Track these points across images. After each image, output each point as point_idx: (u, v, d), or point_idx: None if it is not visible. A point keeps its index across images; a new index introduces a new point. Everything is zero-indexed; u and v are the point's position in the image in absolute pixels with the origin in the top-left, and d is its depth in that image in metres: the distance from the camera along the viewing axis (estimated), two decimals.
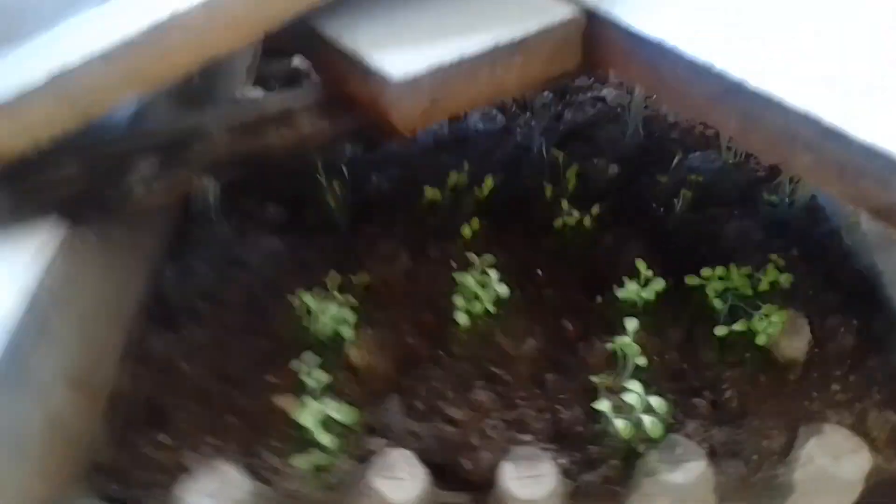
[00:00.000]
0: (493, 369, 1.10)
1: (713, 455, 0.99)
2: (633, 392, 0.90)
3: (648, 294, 1.02)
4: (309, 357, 0.98)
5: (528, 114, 1.67)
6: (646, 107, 1.64)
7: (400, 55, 0.94)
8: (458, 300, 1.04)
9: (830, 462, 0.95)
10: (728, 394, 1.06)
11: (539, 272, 1.24)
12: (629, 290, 1.03)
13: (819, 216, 1.36)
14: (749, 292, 1.07)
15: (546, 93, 1.71)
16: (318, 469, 0.96)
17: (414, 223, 1.34)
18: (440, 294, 1.20)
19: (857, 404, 1.06)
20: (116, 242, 1.14)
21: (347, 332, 1.03)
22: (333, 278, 1.09)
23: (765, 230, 1.31)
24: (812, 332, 1.13)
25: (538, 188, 1.35)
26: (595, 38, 1.03)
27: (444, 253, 1.27)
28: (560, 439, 1.04)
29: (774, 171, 1.47)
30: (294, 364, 1.04)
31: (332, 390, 1.06)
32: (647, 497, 0.97)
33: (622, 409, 0.95)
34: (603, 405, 0.93)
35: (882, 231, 1.26)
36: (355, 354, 1.10)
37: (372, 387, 1.09)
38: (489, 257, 1.07)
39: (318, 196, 1.36)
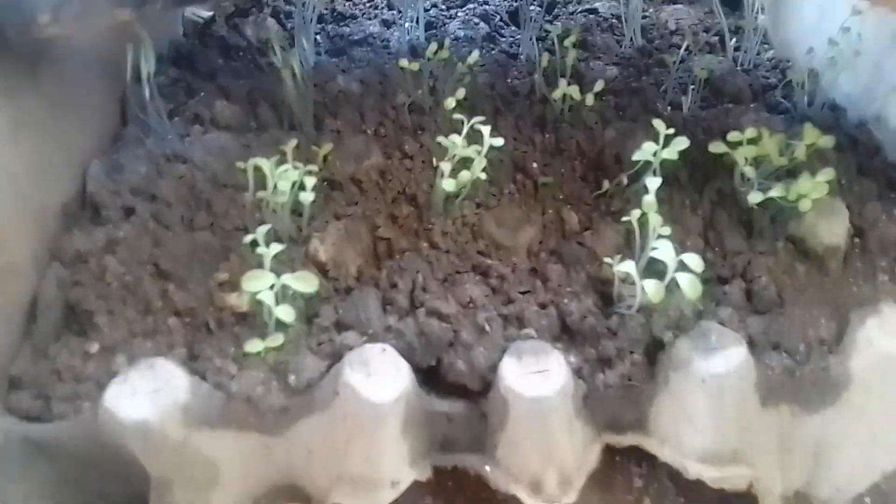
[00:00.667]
0: (486, 261, 0.93)
1: (752, 347, 0.83)
2: (662, 249, 0.74)
3: (671, 153, 0.85)
4: (261, 231, 0.79)
5: (512, 27, 1.52)
6: (644, 16, 1.50)
7: None
8: (444, 166, 0.87)
9: (894, 343, 0.80)
10: (763, 281, 0.90)
11: (534, 164, 1.08)
12: (645, 151, 0.86)
13: (841, 115, 1.23)
14: (783, 162, 0.91)
15: (532, 6, 1.56)
16: (277, 357, 0.78)
17: (386, 119, 1.16)
18: (419, 189, 1.03)
19: None
20: (32, 126, 0.95)
21: (308, 198, 0.85)
22: (291, 145, 0.90)
23: (786, 125, 1.17)
24: (850, 220, 0.98)
25: (530, 70, 1.19)
26: None
27: (423, 147, 1.10)
28: (568, 335, 0.87)
29: (786, 74, 1.34)
30: (243, 248, 0.85)
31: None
32: (678, 395, 0.81)
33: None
34: (626, 265, 0.76)
35: None
36: (319, 248, 0.92)
37: (342, 283, 0.91)
38: (479, 118, 0.89)
39: (276, 93, 1.18)
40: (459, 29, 1.45)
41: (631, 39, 1.43)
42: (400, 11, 1.50)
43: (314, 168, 0.89)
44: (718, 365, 0.79)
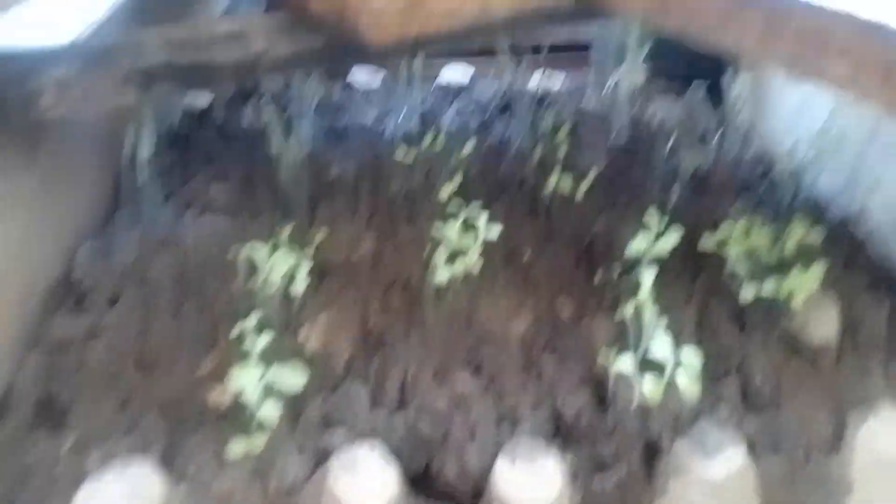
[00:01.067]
0: (479, 353, 0.92)
1: (750, 448, 0.82)
2: (660, 346, 0.73)
3: (663, 246, 0.86)
4: (251, 321, 0.78)
5: (504, 120, 1.56)
6: (631, 112, 1.55)
7: None
8: (438, 255, 0.87)
9: (894, 445, 0.78)
10: (759, 379, 0.90)
11: (527, 252, 1.08)
12: (638, 246, 0.87)
13: (823, 209, 1.26)
14: (773, 257, 0.93)
15: (524, 100, 1.61)
16: (260, 458, 0.75)
17: (381, 205, 1.17)
18: (412, 274, 1.03)
19: None
20: (22, 204, 0.94)
21: (301, 287, 0.84)
22: (284, 230, 0.90)
23: (771, 220, 1.19)
24: (840, 314, 0.99)
25: (522, 161, 1.22)
26: None
27: (417, 232, 1.10)
28: (563, 435, 0.85)
29: (769, 171, 1.38)
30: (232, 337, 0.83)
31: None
32: (676, 500, 0.78)
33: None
34: (623, 362, 0.75)
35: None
36: (308, 336, 0.91)
37: (329, 373, 0.89)
38: (475, 206, 0.90)
39: (272, 179, 1.20)
40: (453, 119, 1.49)
41: (618, 134, 1.47)
42: (395, 103, 1.54)
43: (307, 254, 0.89)
44: (718, 470, 0.77)
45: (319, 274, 1.04)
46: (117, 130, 1.09)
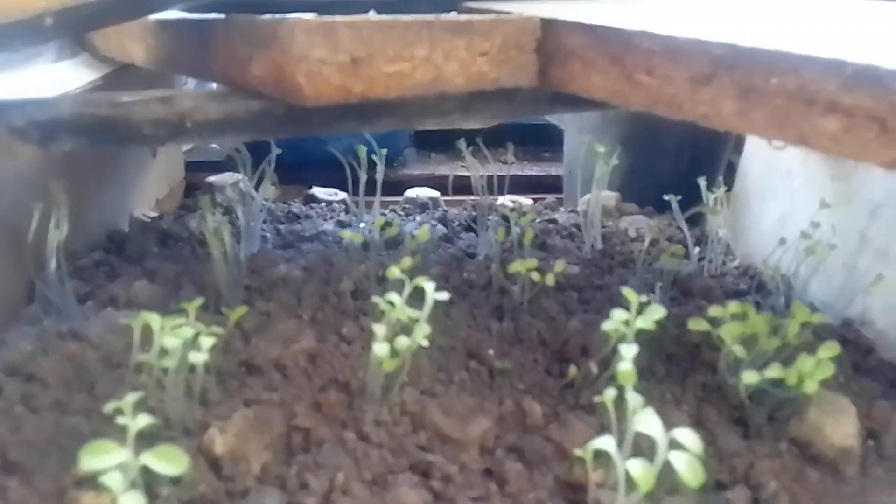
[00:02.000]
0: (428, 457, 0.75)
1: None
2: (648, 423, 0.58)
3: (646, 323, 0.73)
4: (131, 399, 0.62)
5: (471, 233, 1.50)
6: (604, 226, 1.49)
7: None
8: (377, 329, 0.73)
9: None
10: (771, 488, 0.73)
11: (490, 351, 0.95)
12: (616, 321, 0.74)
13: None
14: (775, 343, 0.80)
15: (491, 217, 1.55)
16: None
17: (326, 304, 1.05)
18: (354, 376, 0.88)
19: None
20: None
21: (200, 359, 0.68)
22: (194, 304, 0.76)
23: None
24: (858, 420, 0.84)
25: (487, 268, 1.12)
26: (551, 47, 0.89)
27: (364, 332, 0.97)
28: None
29: (755, 278, 1.29)
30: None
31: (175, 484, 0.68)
32: None
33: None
34: (603, 441, 0.59)
35: None
36: (216, 438, 0.74)
37: (238, 484, 0.71)
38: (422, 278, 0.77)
39: (207, 279, 1.08)
40: (416, 229, 1.41)
41: (591, 246, 1.40)
42: (356, 216, 1.48)
43: (219, 330, 0.75)
44: None
45: (246, 371, 0.90)
46: (38, 226, 0.99)
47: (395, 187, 1.61)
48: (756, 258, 1.37)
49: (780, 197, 1.37)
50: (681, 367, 0.95)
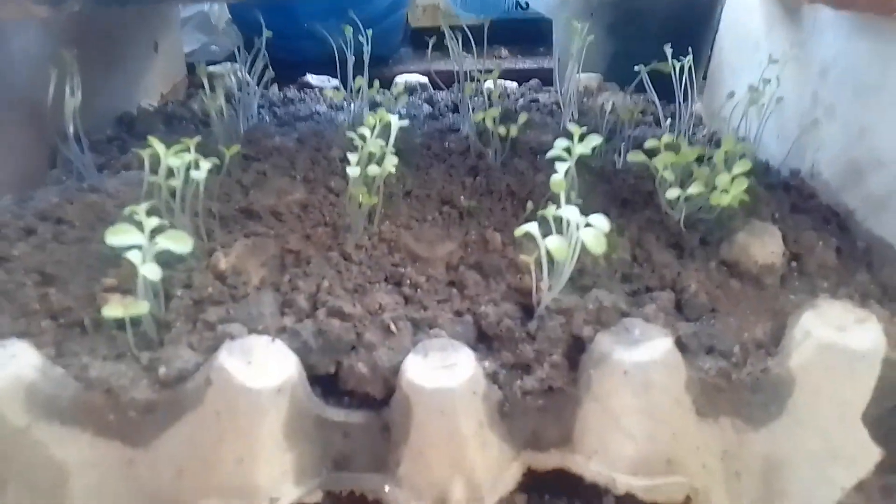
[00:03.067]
0: (400, 270, 0.89)
1: (682, 350, 0.77)
2: (567, 210, 0.70)
3: (584, 148, 0.84)
4: (146, 205, 0.75)
5: (456, 113, 1.60)
6: (581, 102, 1.58)
7: None
8: (351, 157, 0.85)
9: (835, 333, 0.74)
10: (693, 289, 0.86)
11: (462, 198, 1.07)
12: (558, 148, 0.85)
13: (773, 169, 1.26)
14: (704, 173, 0.91)
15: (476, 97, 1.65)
16: (151, 356, 0.70)
17: (317, 166, 1.17)
18: (341, 220, 1.01)
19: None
20: None
21: (201, 176, 0.81)
22: (194, 140, 0.88)
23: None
24: (786, 245, 0.96)
25: (467, 139, 1.23)
26: None
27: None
28: (485, 343, 0.81)
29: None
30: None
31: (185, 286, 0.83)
32: (602, 398, 0.73)
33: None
34: (530, 226, 0.72)
35: (845, 173, 1.15)
36: (221, 258, 0.88)
37: (240, 291, 0.86)
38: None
39: (208, 148, 1.20)
40: (404, 108, 1.52)
41: (570, 119, 1.49)
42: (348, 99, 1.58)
43: (215, 160, 0.87)
44: (642, 354, 0.72)
45: (246, 216, 1.03)
46: (56, 95, 1.10)
47: (389, 84, 1.69)
48: (725, 128, 1.47)
49: (749, 68, 1.44)
50: (632, 210, 1.07)
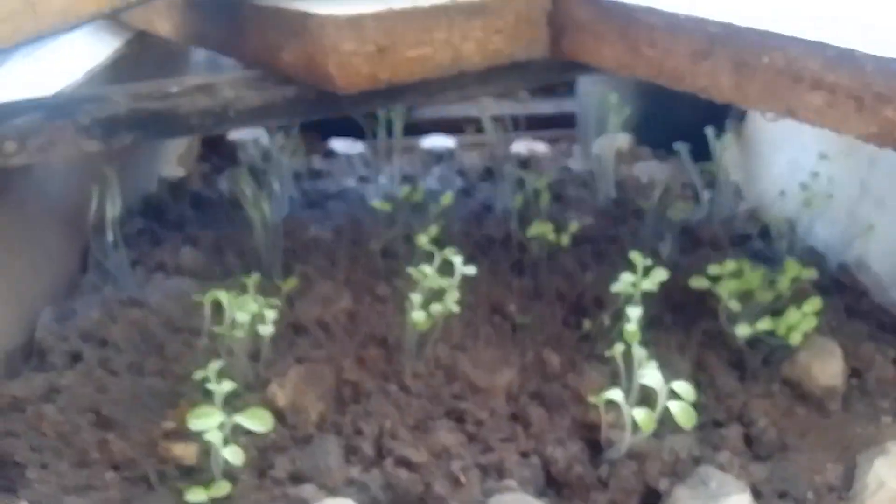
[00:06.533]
0: (461, 405, 0.90)
1: (756, 496, 0.79)
2: (650, 376, 0.72)
3: (650, 284, 0.86)
4: (215, 367, 0.77)
5: (487, 183, 1.61)
6: (616, 173, 1.60)
7: (343, 2, 0.88)
8: (414, 297, 0.87)
9: None
10: (762, 424, 0.88)
11: (512, 307, 1.08)
12: (624, 282, 0.88)
13: (821, 260, 1.28)
14: (768, 297, 0.93)
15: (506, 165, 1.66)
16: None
17: (358, 265, 1.19)
18: (390, 332, 1.03)
19: None
20: None
21: (267, 331, 0.83)
22: (251, 279, 0.90)
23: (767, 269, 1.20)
24: (845, 361, 0.98)
25: (506, 220, 1.24)
26: (562, 20, 0.99)
27: (395, 291, 1.11)
28: (554, 488, 0.83)
29: (761, 225, 1.41)
30: (194, 394, 0.82)
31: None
32: None
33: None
34: (613, 393, 0.74)
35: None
36: (277, 392, 0.89)
37: (301, 431, 0.87)
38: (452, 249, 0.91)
39: (246, 242, 1.22)
40: (435, 182, 1.53)
41: (605, 193, 1.51)
42: (377, 169, 1.59)
43: (273, 304, 0.89)
44: None
45: (293, 331, 1.04)
46: (85, 197, 1.11)
47: (408, 129, 1.68)
48: (765, 202, 1.49)
49: (790, 146, 1.46)
50: (686, 315, 1.08)
